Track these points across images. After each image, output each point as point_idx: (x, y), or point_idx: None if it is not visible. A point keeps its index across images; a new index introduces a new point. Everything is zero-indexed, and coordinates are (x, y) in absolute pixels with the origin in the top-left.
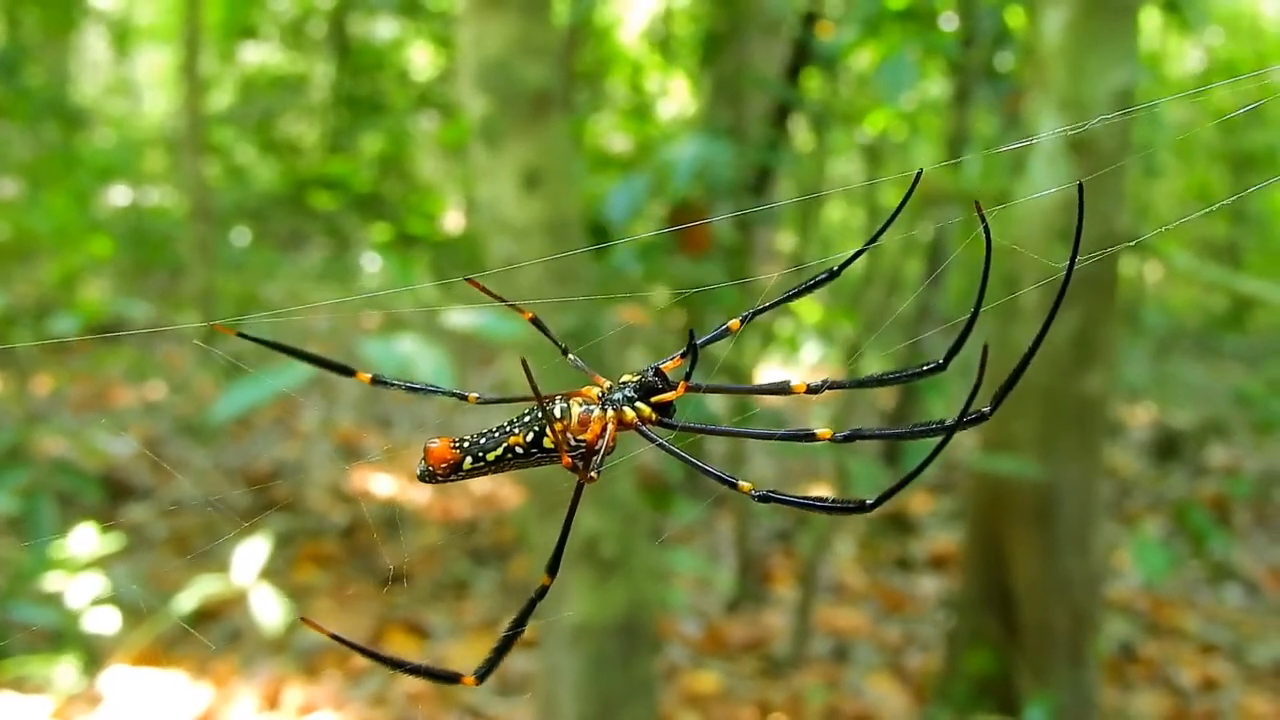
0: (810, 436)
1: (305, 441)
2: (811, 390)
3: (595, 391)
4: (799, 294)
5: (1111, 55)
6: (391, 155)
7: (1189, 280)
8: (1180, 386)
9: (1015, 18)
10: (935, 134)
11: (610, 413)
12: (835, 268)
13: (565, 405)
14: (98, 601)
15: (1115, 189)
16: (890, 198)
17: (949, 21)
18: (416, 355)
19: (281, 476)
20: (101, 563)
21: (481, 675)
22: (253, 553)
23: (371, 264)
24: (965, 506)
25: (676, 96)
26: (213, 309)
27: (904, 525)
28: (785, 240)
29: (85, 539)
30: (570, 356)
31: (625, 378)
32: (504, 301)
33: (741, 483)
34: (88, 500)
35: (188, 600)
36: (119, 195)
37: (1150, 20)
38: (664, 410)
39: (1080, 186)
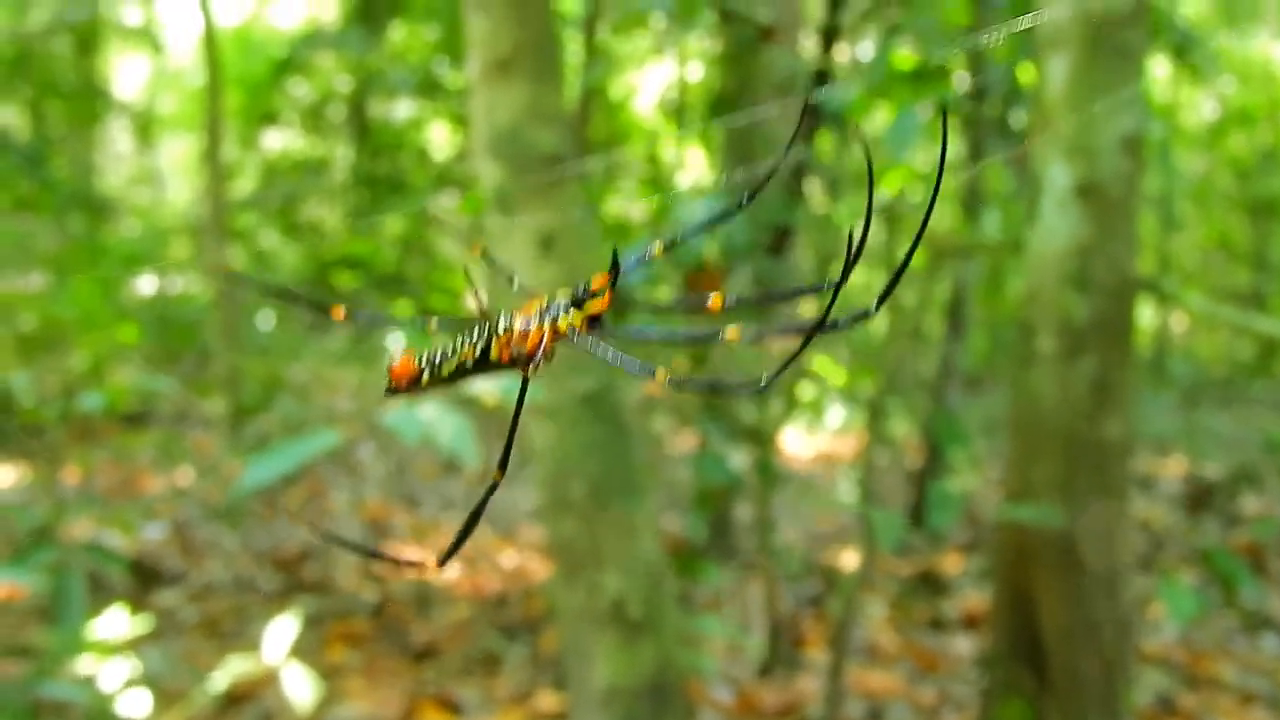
0: (720, 337)
1: (334, 521)
2: (727, 309)
3: (534, 307)
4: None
5: (1118, 101)
6: (413, 234)
7: (1212, 326)
8: (1210, 436)
9: (1026, 74)
10: (951, 193)
11: (547, 323)
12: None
13: (508, 320)
14: (130, 683)
15: (1127, 234)
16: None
17: (961, 80)
18: (438, 422)
19: (311, 557)
20: (133, 645)
21: (442, 560)
22: (282, 632)
23: (395, 343)
24: (992, 560)
25: (692, 165)
26: (239, 391)
27: (936, 585)
28: (805, 307)
29: (116, 622)
30: (515, 283)
31: (559, 295)
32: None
33: (659, 370)
34: (118, 583)
35: (220, 681)
36: (145, 283)
37: (1162, 69)
38: (595, 320)
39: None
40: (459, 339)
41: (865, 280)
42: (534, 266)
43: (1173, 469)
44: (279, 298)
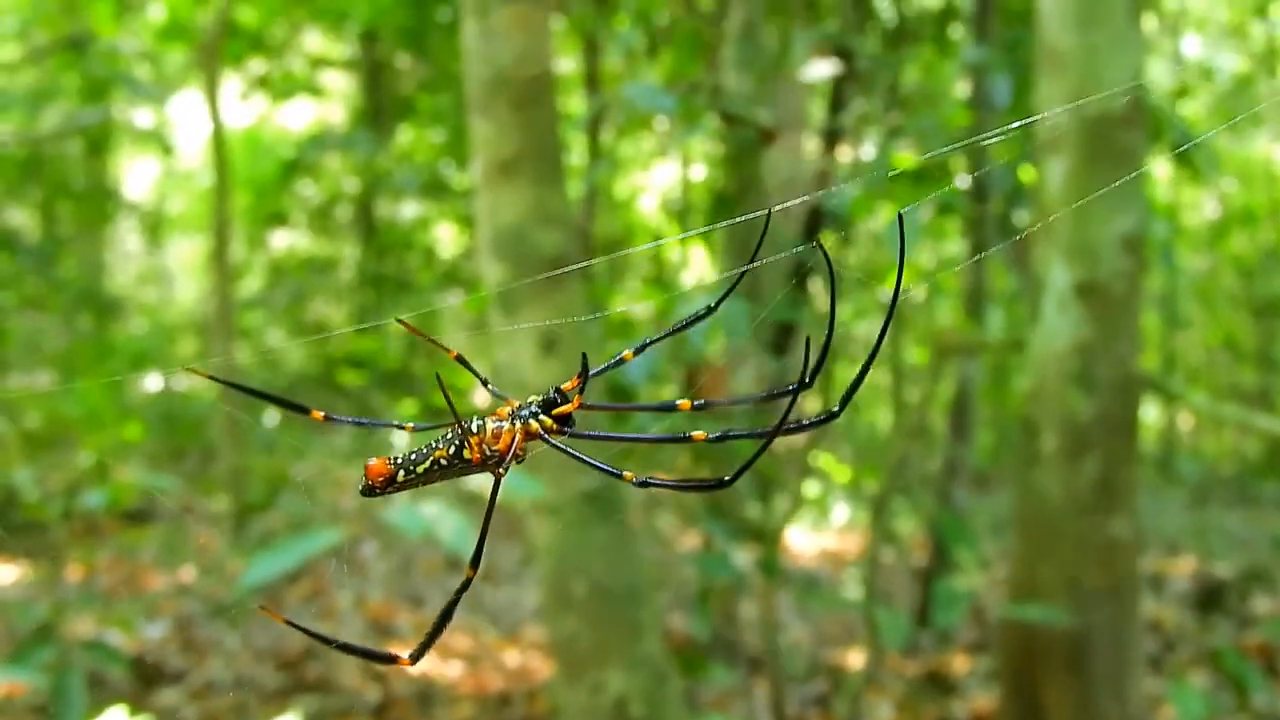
0: (687, 439)
1: (336, 620)
2: (695, 408)
3: (506, 410)
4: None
5: (1116, 201)
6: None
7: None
8: (1219, 535)
9: (1027, 173)
10: (955, 291)
11: (518, 425)
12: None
13: (480, 422)
14: None
15: (1129, 332)
16: (915, 355)
17: (962, 180)
18: (439, 520)
19: (313, 655)
20: None
21: (415, 656)
22: None
23: (401, 440)
24: (1000, 660)
25: (695, 265)
26: (243, 489)
27: (943, 685)
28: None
29: None
30: (489, 387)
31: (531, 398)
32: (430, 340)
33: (625, 472)
34: (119, 682)
35: None
36: (151, 382)
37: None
38: (565, 421)
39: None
40: (433, 441)
41: (870, 378)
42: (536, 366)
43: (1182, 568)
44: (258, 398)
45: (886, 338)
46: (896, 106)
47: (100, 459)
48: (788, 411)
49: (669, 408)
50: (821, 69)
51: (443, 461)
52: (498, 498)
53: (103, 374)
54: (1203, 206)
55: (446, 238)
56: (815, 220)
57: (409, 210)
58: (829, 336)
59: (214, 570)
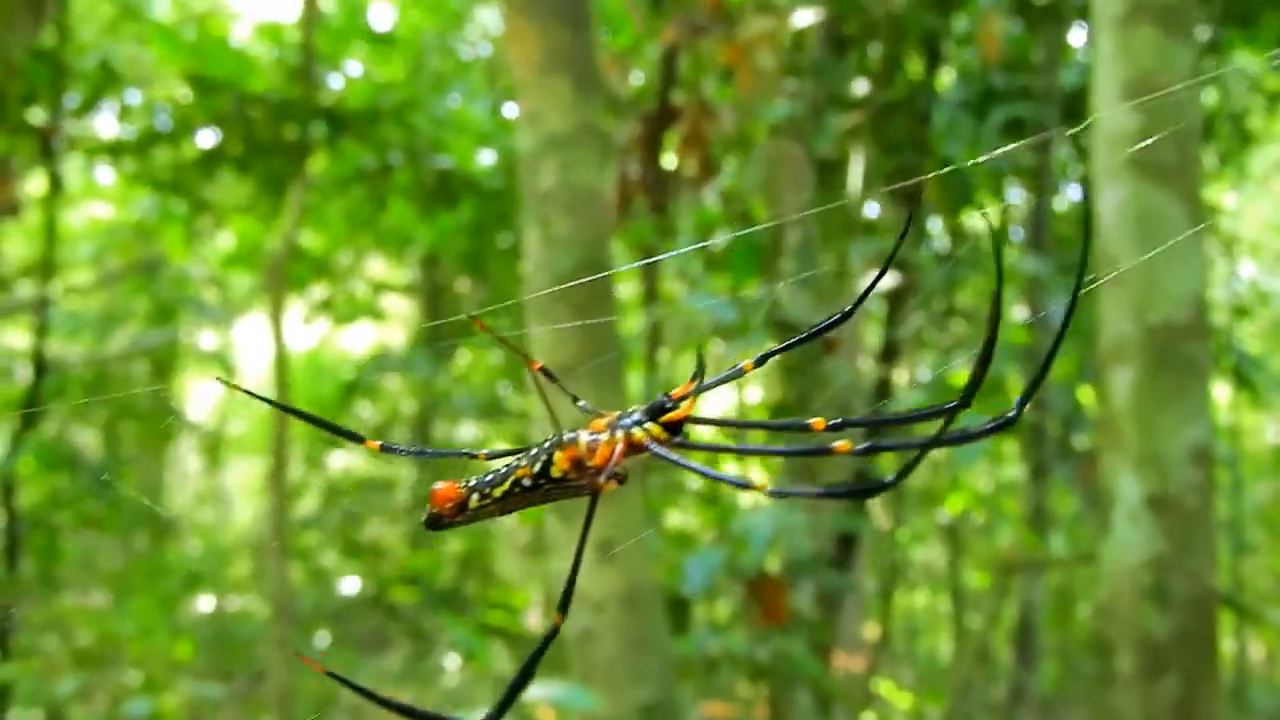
0: (828, 451)
1: None
2: (831, 428)
3: (603, 423)
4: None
5: (1183, 412)
6: (473, 552)
7: None
8: None
9: (1085, 395)
10: (1015, 515)
11: (619, 435)
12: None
13: (574, 435)
14: None
15: (1203, 546)
16: (976, 579)
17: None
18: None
19: None
20: None
21: (494, 717)
22: None
23: (452, 663)
24: None
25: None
26: (291, 710)
27: None
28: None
29: None
30: (580, 403)
31: (634, 408)
32: (511, 346)
33: (756, 481)
34: None
35: None
36: (204, 603)
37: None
38: (673, 430)
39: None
40: (513, 459)
41: (929, 601)
42: (593, 575)
43: None
44: (302, 418)
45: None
46: (953, 321)
47: (150, 677)
48: (947, 423)
49: (800, 427)
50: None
51: (525, 482)
52: (592, 523)
53: (156, 593)
54: (1264, 431)
55: None
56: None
57: (466, 432)
58: (992, 339)
59: None
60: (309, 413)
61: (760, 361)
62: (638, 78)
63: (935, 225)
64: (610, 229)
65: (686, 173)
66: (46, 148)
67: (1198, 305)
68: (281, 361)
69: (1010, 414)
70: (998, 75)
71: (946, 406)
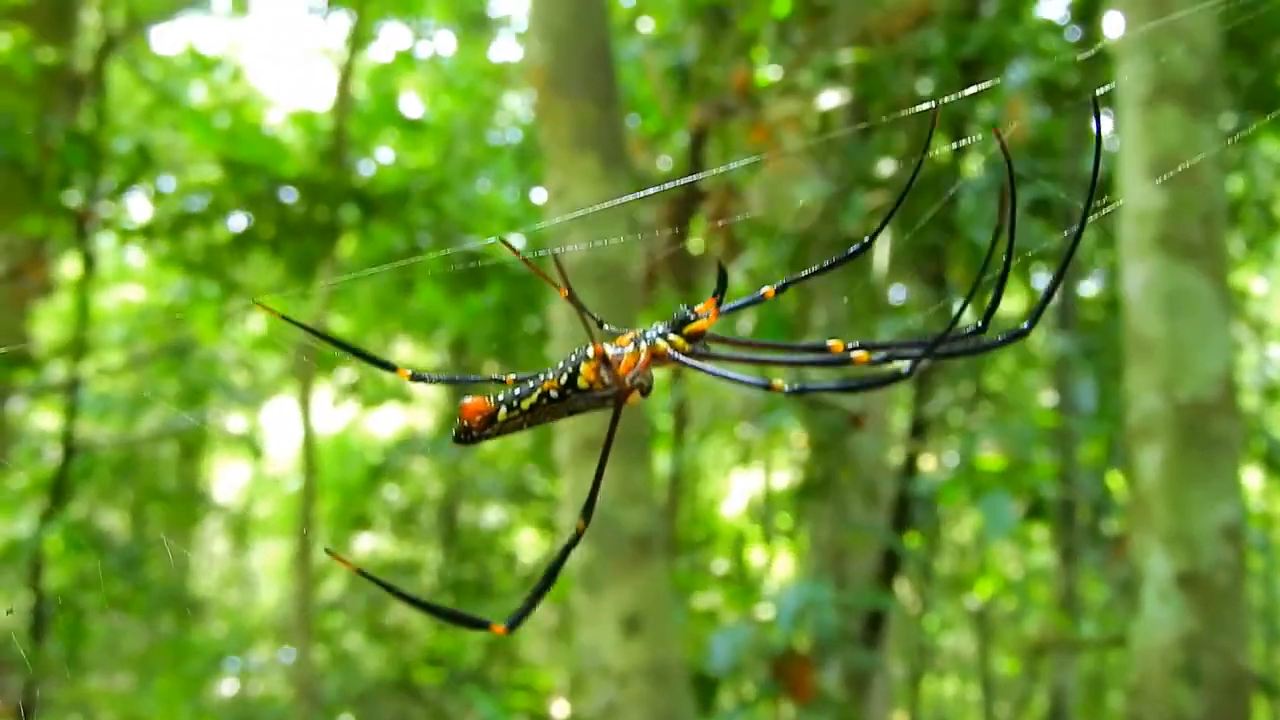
0: (846, 361)
1: None
2: (850, 350)
3: (628, 338)
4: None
5: (1214, 490)
6: (499, 638)
7: None
8: None
9: (1114, 480)
10: (1045, 602)
11: (644, 347)
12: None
13: (599, 347)
14: None
15: (1235, 625)
16: (1005, 666)
17: (1049, 488)
18: None
19: None
20: None
21: (512, 624)
22: None
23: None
24: None
25: (780, 568)
26: None
27: None
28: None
29: None
30: (606, 326)
31: (657, 322)
32: (537, 270)
33: (775, 381)
34: None
35: None
36: (227, 686)
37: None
38: (696, 340)
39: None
40: (540, 373)
41: (958, 690)
42: (618, 648)
43: None
44: (339, 346)
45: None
46: (981, 398)
47: None
48: (989, 311)
49: (819, 348)
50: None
51: (553, 394)
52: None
53: (180, 676)
54: None
55: (528, 543)
56: (904, 507)
57: (492, 515)
58: (1007, 263)
59: None
60: (343, 340)
61: (781, 288)
62: (666, 162)
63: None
64: (638, 304)
65: (713, 252)
66: (81, 230)
67: (1226, 383)
68: (309, 444)
69: (1024, 326)
70: (1023, 161)
71: (965, 331)
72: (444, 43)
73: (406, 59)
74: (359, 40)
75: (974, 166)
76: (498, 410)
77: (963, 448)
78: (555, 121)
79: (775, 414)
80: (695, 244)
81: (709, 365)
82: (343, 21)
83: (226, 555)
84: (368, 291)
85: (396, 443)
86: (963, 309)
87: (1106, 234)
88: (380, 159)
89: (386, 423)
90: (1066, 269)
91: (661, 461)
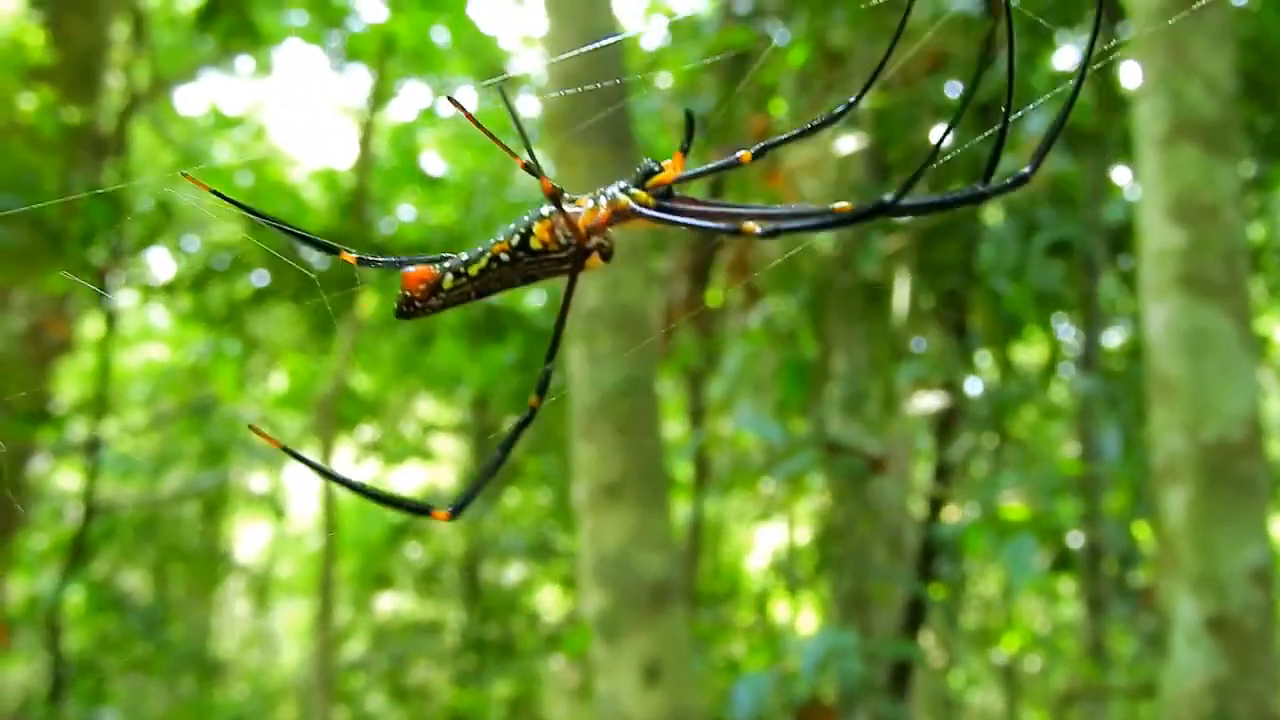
0: (829, 212)
1: None
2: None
3: (586, 198)
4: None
5: (1241, 532)
6: (521, 696)
7: None
8: None
9: (1141, 530)
10: (1072, 656)
11: (603, 202)
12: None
13: (554, 207)
14: None
15: (1266, 669)
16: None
17: (1075, 539)
18: None
19: None
20: None
21: (456, 510)
22: None
23: None
24: None
25: (805, 623)
26: None
27: None
28: None
29: None
30: (566, 194)
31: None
32: (487, 131)
33: (745, 224)
34: None
35: None
36: None
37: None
38: (663, 196)
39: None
40: (492, 238)
41: None
42: (638, 698)
43: None
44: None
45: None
46: (1005, 441)
47: None
48: (990, 168)
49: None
50: (927, 403)
51: (503, 258)
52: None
53: None
54: None
55: (551, 601)
56: (928, 554)
57: (514, 573)
58: (1006, 114)
59: None
60: (289, 225)
61: (759, 153)
62: None
63: (984, 358)
64: (655, 349)
65: (731, 299)
66: (103, 287)
67: (1252, 424)
68: (330, 502)
69: (1025, 170)
70: (1043, 210)
71: (975, 192)
72: (465, 99)
73: (428, 116)
74: (380, 98)
75: (994, 215)
76: (443, 278)
77: (985, 496)
78: (571, 166)
79: (795, 460)
80: (713, 295)
81: (674, 217)
82: (364, 79)
83: (248, 616)
84: (389, 349)
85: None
86: (944, 137)
87: (1127, 280)
88: (401, 215)
89: (408, 480)
90: (1070, 111)
91: (681, 510)
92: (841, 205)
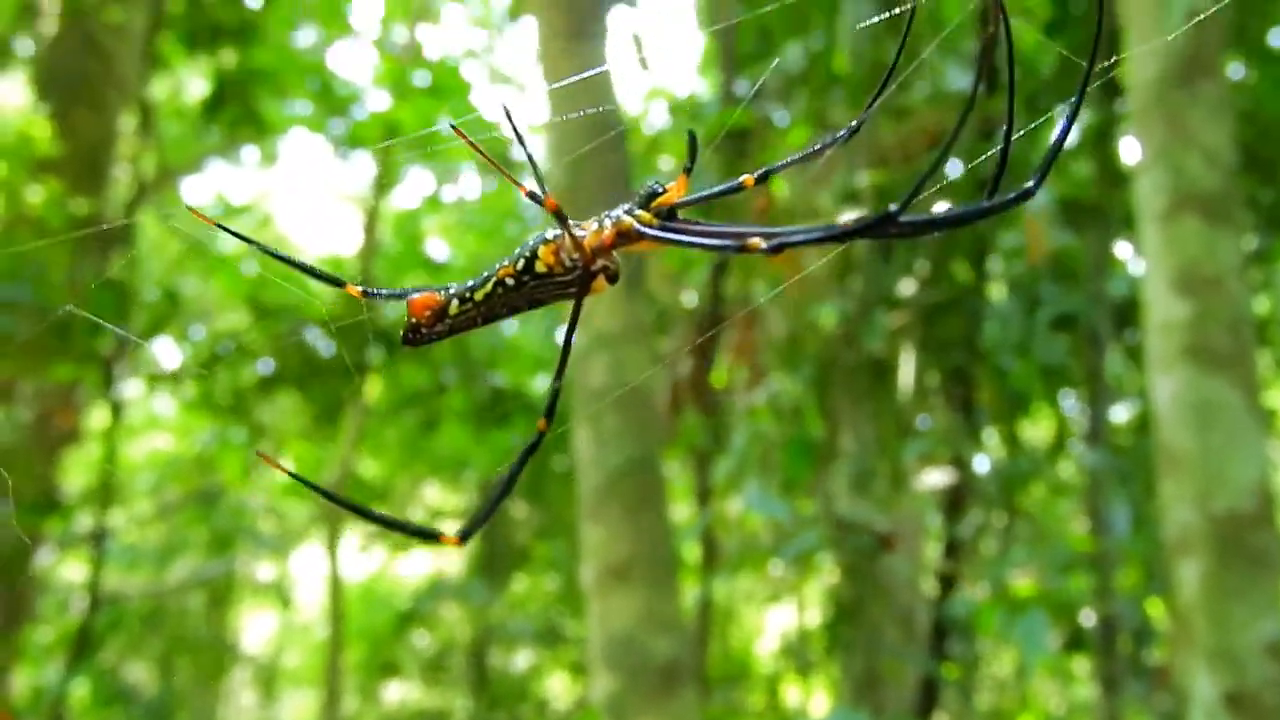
0: (835, 228)
1: None
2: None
3: (591, 221)
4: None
5: (1256, 605)
6: None
7: None
8: None
9: (1154, 607)
10: None
11: (607, 224)
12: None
13: (558, 230)
14: None
15: None
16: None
17: (1088, 617)
18: None
19: None
20: None
21: (464, 535)
22: None
23: None
24: None
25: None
26: None
27: None
28: None
29: None
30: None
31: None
32: (491, 161)
33: (750, 240)
34: None
35: None
36: None
37: None
38: (666, 217)
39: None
40: (497, 261)
41: None
42: None
43: None
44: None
45: None
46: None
47: None
48: (995, 184)
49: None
50: (935, 479)
51: (509, 282)
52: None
53: None
54: None
55: (560, 688)
56: (940, 632)
57: (522, 659)
58: (1008, 131)
59: None
60: (284, 253)
61: (762, 178)
62: (691, 298)
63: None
64: (661, 427)
65: (736, 378)
66: (109, 376)
67: (1262, 494)
68: (336, 592)
69: (1029, 185)
70: (1047, 286)
71: (980, 207)
72: (468, 185)
73: (433, 203)
74: (384, 185)
75: (998, 290)
76: (448, 304)
77: (995, 573)
78: None
79: (804, 538)
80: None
81: (678, 236)
82: (368, 166)
83: (254, 706)
84: (395, 435)
85: (425, 587)
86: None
87: (1132, 355)
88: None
89: (415, 567)
90: (1073, 123)
91: (690, 592)
92: (847, 219)
